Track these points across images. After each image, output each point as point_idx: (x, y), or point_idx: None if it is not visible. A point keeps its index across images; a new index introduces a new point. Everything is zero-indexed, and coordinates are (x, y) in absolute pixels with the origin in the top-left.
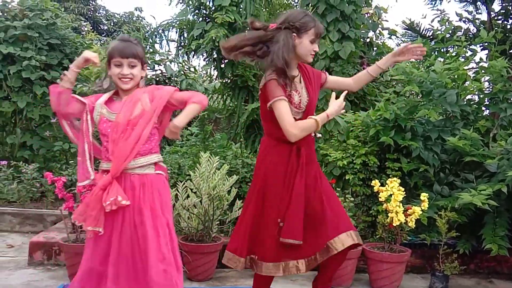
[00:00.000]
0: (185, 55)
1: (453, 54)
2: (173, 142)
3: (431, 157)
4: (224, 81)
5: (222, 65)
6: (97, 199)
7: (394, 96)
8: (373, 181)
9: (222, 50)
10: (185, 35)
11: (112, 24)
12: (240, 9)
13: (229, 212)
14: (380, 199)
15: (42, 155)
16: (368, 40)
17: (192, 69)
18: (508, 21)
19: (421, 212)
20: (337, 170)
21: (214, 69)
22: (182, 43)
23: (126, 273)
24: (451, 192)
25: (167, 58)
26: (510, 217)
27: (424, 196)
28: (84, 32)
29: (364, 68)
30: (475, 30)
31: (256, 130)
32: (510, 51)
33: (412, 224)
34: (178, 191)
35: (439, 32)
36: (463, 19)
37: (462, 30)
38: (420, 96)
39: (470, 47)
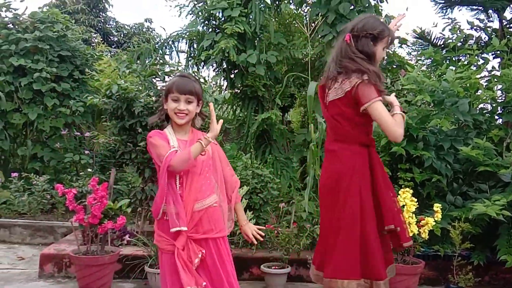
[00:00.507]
0: (195, 65)
1: (465, 62)
2: None
3: (444, 167)
4: (234, 92)
5: (232, 76)
6: (184, 261)
7: (406, 105)
8: None
9: None
10: (195, 46)
11: (122, 35)
12: (250, 20)
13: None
14: None
15: (53, 166)
16: None
17: (202, 80)
18: None
19: (434, 223)
20: None
21: (224, 80)
22: (192, 54)
23: None
24: (465, 203)
25: (177, 69)
26: None
27: (437, 206)
28: (94, 44)
29: None
30: (486, 38)
31: (266, 140)
32: None
33: (425, 235)
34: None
35: (451, 40)
36: (475, 27)
37: (474, 39)
38: (432, 105)
39: (482, 55)
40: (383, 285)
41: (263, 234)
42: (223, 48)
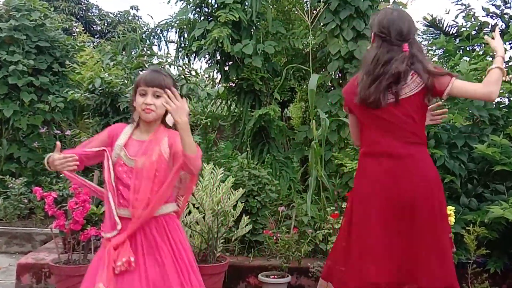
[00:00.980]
0: (185, 57)
1: (480, 53)
2: None
3: (457, 166)
4: (228, 85)
5: (226, 68)
6: (110, 257)
7: None
8: None
9: None
10: (186, 35)
11: (106, 24)
12: (246, 7)
13: (235, 229)
14: None
15: (31, 168)
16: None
17: (193, 73)
18: None
19: None
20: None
21: (217, 72)
22: (182, 44)
23: None
24: (480, 205)
25: (166, 61)
26: None
27: (450, 209)
28: (75, 34)
29: None
30: (503, 26)
31: (263, 138)
32: None
33: None
34: (179, 207)
35: (464, 29)
36: (490, 14)
37: (490, 26)
38: (444, 99)
39: None
40: None
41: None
42: (216, 38)
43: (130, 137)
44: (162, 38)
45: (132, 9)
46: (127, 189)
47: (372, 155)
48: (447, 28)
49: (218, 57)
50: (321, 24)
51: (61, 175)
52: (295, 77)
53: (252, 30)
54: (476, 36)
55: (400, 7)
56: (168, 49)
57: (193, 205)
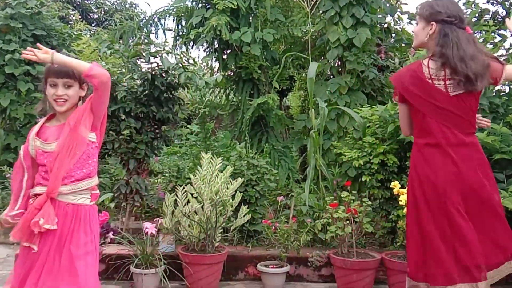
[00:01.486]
0: (183, 45)
1: (480, 40)
2: (172, 142)
3: None
4: (226, 74)
5: (224, 56)
6: (32, 218)
7: None
8: (392, 183)
9: None
10: (183, 23)
11: (102, 12)
12: None
13: (234, 219)
14: (400, 203)
15: None
16: (385, 25)
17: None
18: None
19: None
20: (353, 171)
21: (215, 61)
22: (180, 33)
23: None
24: None
25: (164, 49)
26: None
27: None
28: (72, 22)
29: (381, 57)
30: (504, 13)
31: (262, 127)
32: None
33: None
34: (178, 196)
35: (465, 15)
36: (491, 0)
37: (490, 13)
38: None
39: (499, 32)
40: None
41: None
42: (214, 26)
43: (43, 125)
44: (160, 26)
45: None
46: (48, 170)
47: (437, 146)
48: None
49: (216, 45)
50: (320, 11)
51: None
52: (294, 65)
53: (250, 17)
54: (476, 23)
55: None
56: (165, 37)
57: (192, 194)
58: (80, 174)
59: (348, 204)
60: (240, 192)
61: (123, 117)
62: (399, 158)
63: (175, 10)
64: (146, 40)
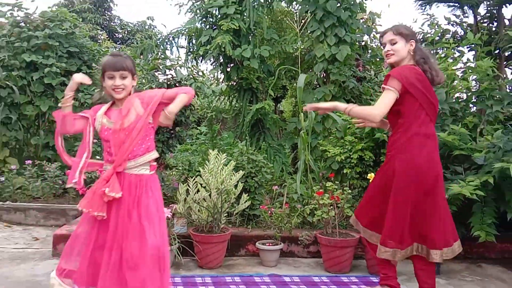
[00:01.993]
0: (193, 60)
1: (442, 55)
2: (184, 141)
3: None
4: (230, 84)
5: (228, 69)
6: (101, 188)
7: None
8: (369, 175)
9: None
10: (194, 41)
11: (126, 32)
12: (244, 17)
13: (236, 205)
14: None
15: None
16: (363, 43)
17: (200, 73)
18: (493, 24)
19: None
20: (336, 165)
21: (220, 73)
22: (191, 49)
23: (118, 261)
24: None
25: (177, 63)
26: (496, 206)
27: None
28: (100, 40)
29: (359, 70)
30: (462, 33)
31: (260, 128)
32: (495, 52)
33: None
34: (189, 186)
35: (429, 35)
36: (451, 22)
37: (451, 33)
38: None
39: (458, 48)
40: None
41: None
42: (219, 44)
43: (109, 108)
44: (174, 44)
45: (149, 19)
46: (112, 147)
47: (428, 136)
48: None
49: (221, 60)
50: (308, 31)
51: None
52: (286, 76)
53: (250, 36)
54: (439, 41)
55: (375, 17)
56: (179, 53)
57: (201, 185)
58: (141, 150)
59: (332, 192)
60: (242, 182)
61: None
62: (374, 153)
63: (187, 30)
64: (162, 56)
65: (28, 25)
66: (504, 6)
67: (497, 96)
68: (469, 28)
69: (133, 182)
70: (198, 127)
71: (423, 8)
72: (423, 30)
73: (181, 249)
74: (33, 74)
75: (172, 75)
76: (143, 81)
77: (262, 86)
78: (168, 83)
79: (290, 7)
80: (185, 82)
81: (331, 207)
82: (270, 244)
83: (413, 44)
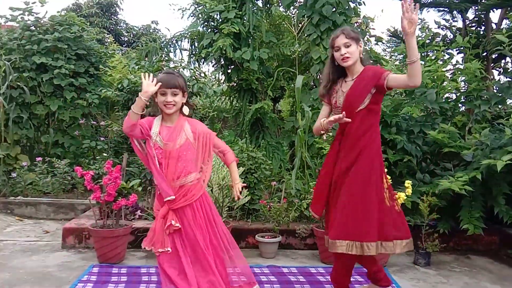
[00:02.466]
0: (196, 62)
1: (433, 57)
2: None
3: (414, 148)
4: (230, 85)
5: (229, 71)
6: (161, 227)
7: None
8: None
9: None
10: (196, 44)
11: (131, 36)
12: (244, 21)
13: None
14: None
15: (73, 151)
16: None
17: (202, 74)
18: (481, 28)
19: (405, 197)
20: None
21: (221, 74)
22: (193, 52)
23: (198, 262)
24: (432, 179)
25: (181, 65)
26: (484, 200)
27: (408, 183)
28: (107, 43)
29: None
30: (451, 36)
31: (259, 127)
32: (483, 54)
33: (398, 208)
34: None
35: (420, 38)
36: (441, 26)
37: (440, 36)
38: (404, 95)
39: (448, 51)
40: None
41: (244, 185)
42: (220, 46)
43: (161, 124)
44: (177, 47)
45: (153, 23)
46: (161, 166)
47: None
48: None
49: (222, 62)
50: (305, 35)
51: (97, 157)
52: (284, 78)
53: (249, 40)
54: (429, 44)
55: (369, 21)
56: (182, 55)
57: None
58: (189, 169)
59: None
60: (242, 178)
61: None
62: None
63: (189, 34)
64: (166, 58)
65: (38, 28)
66: (491, 11)
67: (485, 96)
68: (458, 31)
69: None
70: None
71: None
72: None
73: None
74: (43, 75)
75: None
76: None
77: (261, 86)
78: None
79: (288, 11)
80: (188, 83)
81: None
82: (269, 236)
83: (361, 46)
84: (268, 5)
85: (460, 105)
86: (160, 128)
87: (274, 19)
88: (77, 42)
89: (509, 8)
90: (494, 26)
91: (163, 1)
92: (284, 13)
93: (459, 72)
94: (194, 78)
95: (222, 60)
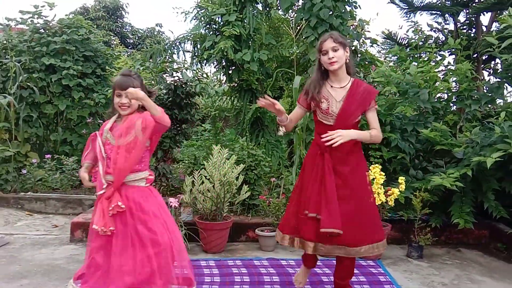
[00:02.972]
0: (198, 63)
1: (425, 59)
2: (190, 137)
3: (407, 146)
4: (231, 85)
5: (230, 71)
6: (106, 207)
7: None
8: None
9: None
10: (198, 46)
11: (137, 38)
12: (245, 24)
13: (237, 195)
14: None
15: (80, 149)
16: (353, 48)
17: (204, 75)
18: (471, 30)
19: (399, 193)
20: None
21: (223, 75)
22: (196, 53)
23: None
24: (425, 176)
25: (183, 66)
26: (474, 196)
27: (401, 179)
28: (113, 45)
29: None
30: (443, 38)
31: (259, 125)
32: (473, 56)
33: (391, 203)
34: (194, 178)
35: (413, 40)
36: (434, 29)
37: (433, 38)
38: (398, 95)
39: (440, 52)
40: None
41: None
42: (222, 48)
43: (114, 123)
44: (180, 48)
45: (157, 26)
46: (111, 161)
47: None
48: (400, 40)
49: (224, 63)
50: (303, 37)
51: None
52: (283, 78)
53: (250, 42)
54: (422, 46)
55: (364, 24)
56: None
57: (205, 177)
58: (138, 168)
59: None
60: (242, 175)
61: None
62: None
63: (192, 36)
64: (170, 59)
65: (47, 31)
66: (482, 14)
67: (475, 96)
68: (449, 34)
69: (130, 191)
70: (203, 125)
71: (408, 16)
72: (408, 36)
73: (187, 235)
74: (52, 76)
75: (179, 77)
76: (152, 82)
77: (261, 87)
78: (175, 84)
79: (287, 15)
80: (190, 83)
81: None
82: (268, 230)
83: (348, 51)
84: (267, 9)
85: (451, 104)
86: (112, 126)
87: (274, 22)
88: (85, 44)
89: (498, 12)
90: (484, 28)
91: (167, 5)
92: (283, 16)
93: (450, 73)
94: (196, 78)
95: (223, 61)
